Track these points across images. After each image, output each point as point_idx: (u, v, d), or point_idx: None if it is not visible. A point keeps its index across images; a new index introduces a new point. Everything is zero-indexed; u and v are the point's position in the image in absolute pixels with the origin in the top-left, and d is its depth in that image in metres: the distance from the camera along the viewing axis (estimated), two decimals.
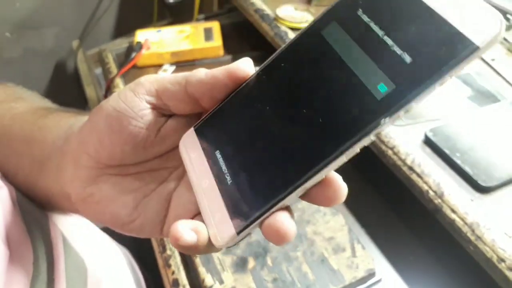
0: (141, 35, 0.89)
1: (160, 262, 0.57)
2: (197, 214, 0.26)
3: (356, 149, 0.21)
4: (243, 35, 0.92)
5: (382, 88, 0.21)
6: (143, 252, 0.59)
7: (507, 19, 0.76)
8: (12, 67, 1.23)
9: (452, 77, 0.20)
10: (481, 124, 0.58)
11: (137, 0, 1.29)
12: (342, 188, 0.22)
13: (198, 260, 0.55)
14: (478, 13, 0.20)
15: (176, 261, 0.56)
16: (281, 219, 0.22)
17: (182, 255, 0.57)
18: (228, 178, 0.24)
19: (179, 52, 0.86)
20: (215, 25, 0.90)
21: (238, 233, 0.23)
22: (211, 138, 0.26)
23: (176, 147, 0.28)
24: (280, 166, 0.23)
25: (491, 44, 0.19)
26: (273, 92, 0.25)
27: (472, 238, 0.48)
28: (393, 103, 0.20)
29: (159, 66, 0.86)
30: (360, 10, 0.23)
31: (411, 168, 0.54)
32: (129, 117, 0.26)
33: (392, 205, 0.66)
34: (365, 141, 0.21)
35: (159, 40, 0.88)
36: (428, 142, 0.56)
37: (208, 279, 0.53)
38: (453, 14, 0.20)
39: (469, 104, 0.62)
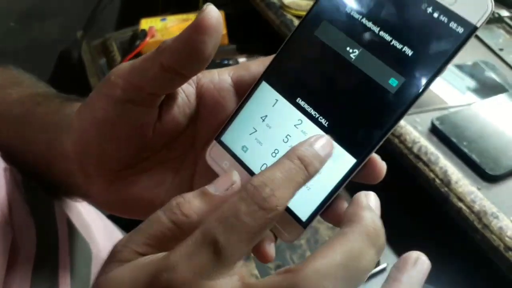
0: (146, 23, 0.89)
1: None
2: None
3: (389, 134, 0.23)
4: (248, 24, 0.92)
5: (393, 82, 0.22)
6: None
7: None
8: (17, 57, 1.23)
9: (455, 58, 0.21)
10: (489, 113, 0.57)
11: None
12: (383, 165, 0.24)
13: None
14: None
15: None
16: (343, 207, 0.24)
17: None
18: None
19: None
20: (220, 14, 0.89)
21: (305, 226, 0.23)
22: (239, 144, 0.26)
23: (176, 136, 0.27)
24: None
25: (485, 21, 0.21)
26: (286, 94, 0.25)
27: (479, 226, 0.47)
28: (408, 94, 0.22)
29: None
30: (348, 8, 0.24)
31: (417, 157, 0.53)
32: (117, 124, 0.25)
33: (397, 195, 0.66)
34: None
35: (164, 28, 0.87)
36: (435, 130, 0.56)
37: None
38: None
39: (477, 93, 0.61)
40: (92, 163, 0.26)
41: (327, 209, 0.23)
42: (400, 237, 0.60)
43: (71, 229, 0.37)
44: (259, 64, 0.27)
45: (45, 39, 1.27)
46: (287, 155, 0.21)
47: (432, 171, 0.52)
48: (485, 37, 0.71)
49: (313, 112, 0.24)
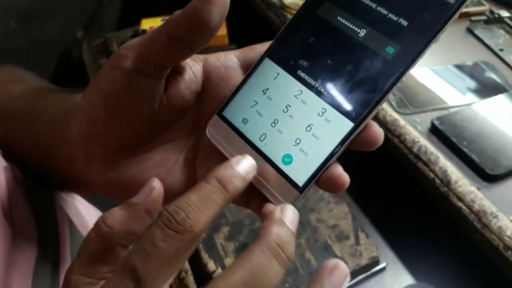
0: (146, 23, 0.89)
1: None
2: None
3: (385, 100, 0.24)
4: (248, 24, 0.92)
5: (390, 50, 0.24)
6: None
7: None
8: (17, 56, 1.22)
9: (448, 26, 0.23)
10: (489, 113, 0.57)
11: None
12: (380, 131, 0.24)
13: (200, 246, 0.55)
14: None
15: None
16: (338, 171, 0.24)
17: None
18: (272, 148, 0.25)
19: None
20: None
21: (301, 191, 0.24)
22: (240, 117, 0.26)
23: (182, 114, 0.28)
24: (323, 126, 0.24)
25: None
26: (290, 66, 0.26)
27: (479, 226, 0.47)
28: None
29: None
30: None
31: (417, 156, 0.53)
32: (126, 95, 0.25)
33: (397, 195, 0.66)
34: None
35: None
36: (434, 130, 0.56)
37: (210, 264, 0.53)
38: None
39: (477, 94, 0.62)
40: (97, 141, 0.26)
41: (322, 175, 0.24)
42: (399, 237, 0.61)
43: (72, 228, 0.37)
44: (265, 45, 0.28)
45: (45, 39, 1.28)
46: (204, 178, 0.22)
47: (431, 171, 0.52)
48: (485, 37, 0.71)
49: (312, 82, 0.25)
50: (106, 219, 0.22)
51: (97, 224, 0.22)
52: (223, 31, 0.87)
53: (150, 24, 0.89)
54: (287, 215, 0.23)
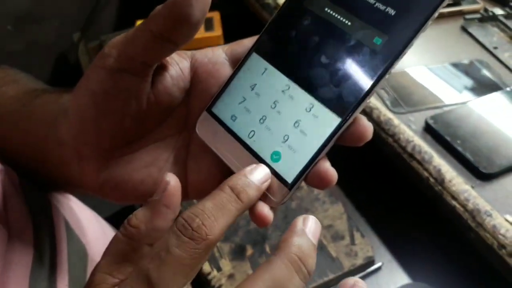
0: None
1: None
2: (223, 176, 0.26)
3: (374, 92, 0.24)
4: (244, 25, 0.92)
5: (378, 41, 0.23)
6: None
7: (510, 7, 0.75)
8: (14, 60, 1.23)
9: (436, 15, 0.22)
10: (483, 111, 0.57)
11: None
12: (369, 125, 0.24)
13: None
14: None
15: None
16: (325, 166, 0.24)
17: None
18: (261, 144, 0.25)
19: None
20: (215, 15, 0.90)
21: (290, 188, 0.24)
22: (228, 115, 0.26)
23: (171, 112, 0.27)
24: (311, 120, 0.24)
25: None
26: (278, 59, 0.26)
27: (473, 225, 0.47)
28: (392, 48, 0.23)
29: None
30: None
31: (411, 156, 0.53)
32: (113, 94, 0.25)
33: (392, 194, 0.66)
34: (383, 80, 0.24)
35: None
36: (428, 129, 0.56)
37: (205, 266, 0.53)
38: None
39: (471, 92, 0.62)
40: (87, 142, 0.26)
41: (311, 171, 0.24)
42: (395, 236, 0.60)
43: (69, 230, 0.37)
44: (253, 40, 0.27)
45: (42, 42, 1.28)
46: (219, 187, 0.23)
47: (426, 169, 0.52)
48: (480, 35, 0.71)
49: (300, 76, 0.25)
50: (130, 221, 0.22)
51: (123, 226, 0.22)
52: (218, 31, 0.87)
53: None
54: (309, 226, 0.23)
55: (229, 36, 0.88)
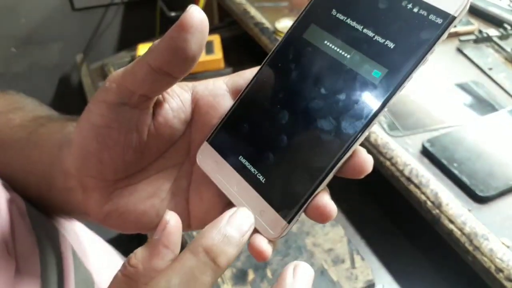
0: (143, 49, 0.91)
1: None
2: (225, 206, 0.27)
3: (373, 124, 0.24)
4: (244, 48, 0.94)
5: (377, 74, 0.24)
6: None
7: (504, 29, 0.76)
8: (18, 81, 1.25)
9: (435, 49, 0.22)
10: (479, 134, 0.58)
11: (139, 14, 1.31)
12: (369, 158, 0.24)
13: None
14: None
15: None
16: (324, 200, 0.24)
17: None
18: (261, 177, 0.25)
19: None
20: (215, 38, 0.91)
21: (289, 222, 0.24)
22: (228, 146, 0.27)
23: (172, 143, 0.28)
24: (311, 153, 0.24)
25: (463, 12, 0.22)
26: (278, 91, 0.26)
27: (470, 248, 0.48)
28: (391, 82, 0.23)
29: None
30: (334, 10, 0.26)
31: (409, 179, 0.54)
32: (115, 127, 0.26)
33: (391, 216, 0.66)
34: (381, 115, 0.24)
35: None
36: (425, 152, 0.57)
37: None
38: None
39: (467, 114, 0.63)
40: (91, 174, 0.27)
41: (310, 204, 0.24)
42: (393, 259, 0.61)
43: (76, 259, 0.37)
44: (254, 71, 0.28)
45: (45, 63, 1.30)
46: (191, 249, 0.21)
47: (423, 193, 0.53)
48: (475, 56, 0.73)
49: (299, 108, 0.25)
50: (130, 260, 0.22)
51: (123, 265, 0.22)
52: (218, 55, 0.88)
53: (146, 49, 0.91)
54: (300, 274, 0.23)
55: (230, 59, 0.89)
